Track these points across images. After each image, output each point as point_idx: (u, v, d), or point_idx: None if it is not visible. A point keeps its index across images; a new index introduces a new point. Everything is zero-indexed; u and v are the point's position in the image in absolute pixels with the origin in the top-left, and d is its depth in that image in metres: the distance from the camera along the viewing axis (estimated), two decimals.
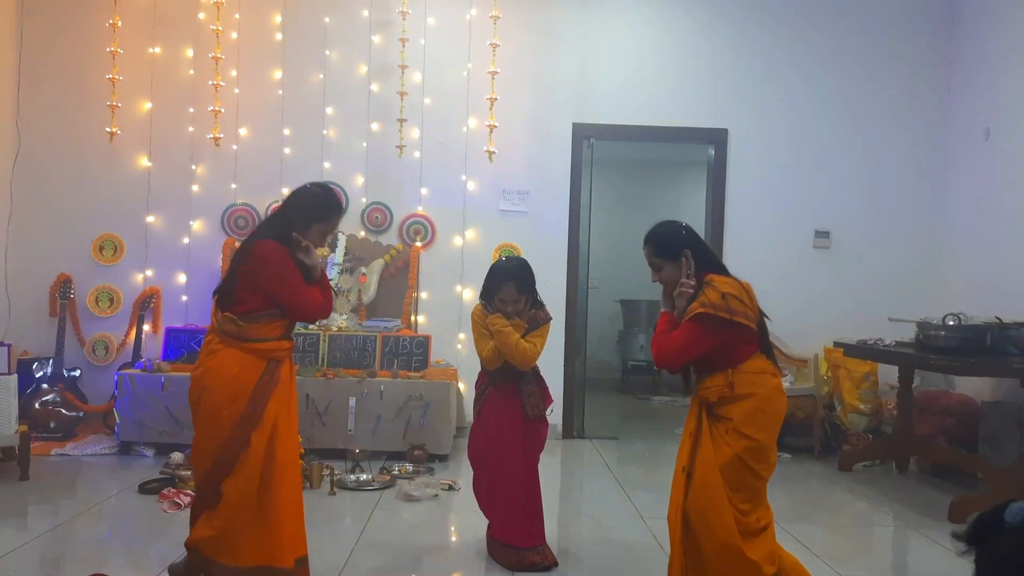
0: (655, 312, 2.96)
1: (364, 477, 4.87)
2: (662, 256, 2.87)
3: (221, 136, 6.08)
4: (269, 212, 3.14)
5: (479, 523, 3.75)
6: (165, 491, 4.39)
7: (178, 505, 4.20)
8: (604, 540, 4.03)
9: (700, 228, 5.78)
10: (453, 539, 4.10)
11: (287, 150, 6.22)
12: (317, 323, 5.48)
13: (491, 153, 6.08)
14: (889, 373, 5.88)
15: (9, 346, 5.65)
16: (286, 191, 5.27)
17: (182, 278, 6.19)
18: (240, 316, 2.92)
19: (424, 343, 5.72)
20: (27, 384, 5.59)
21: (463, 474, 4.98)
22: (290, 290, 2.94)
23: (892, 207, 6.53)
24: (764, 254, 6.34)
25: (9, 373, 4.95)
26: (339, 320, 5.80)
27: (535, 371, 3.64)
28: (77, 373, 5.87)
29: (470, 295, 6.12)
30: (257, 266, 2.92)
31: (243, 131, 6.19)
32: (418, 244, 6.26)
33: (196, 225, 6.21)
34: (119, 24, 6.00)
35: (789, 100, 6.52)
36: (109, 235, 6.15)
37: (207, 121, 6.10)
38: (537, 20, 6.30)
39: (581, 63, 6.41)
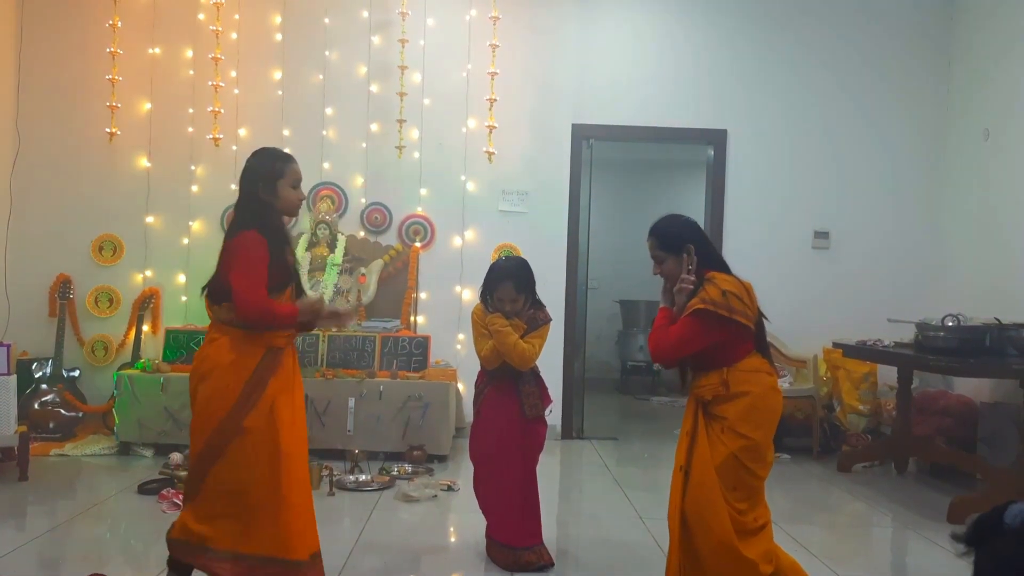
0: (654, 312, 2.97)
1: (363, 478, 4.87)
2: (665, 249, 2.87)
3: (221, 136, 6.08)
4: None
5: (478, 523, 3.76)
6: (164, 491, 4.40)
7: (177, 505, 4.19)
8: (603, 540, 4.03)
9: None
10: (452, 540, 4.11)
11: (286, 151, 6.17)
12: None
13: (490, 154, 6.08)
14: (888, 374, 5.88)
15: (8, 346, 5.63)
16: None
17: (181, 278, 6.18)
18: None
19: (423, 343, 5.73)
20: (26, 384, 5.59)
21: (462, 474, 4.98)
22: (242, 274, 2.79)
23: (891, 208, 6.53)
24: (763, 255, 6.34)
25: (8, 373, 4.94)
26: None
27: (534, 371, 3.63)
28: (76, 373, 5.86)
29: (469, 295, 6.12)
30: (230, 254, 2.86)
31: (243, 131, 6.19)
32: (417, 244, 6.26)
33: (195, 225, 6.21)
34: (119, 25, 6.00)
35: (788, 101, 6.52)
36: (109, 235, 6.15)
37: (207, 121, 6.10)
38: (537, 21, 6.30)
39: (580, 64, 6.40)
